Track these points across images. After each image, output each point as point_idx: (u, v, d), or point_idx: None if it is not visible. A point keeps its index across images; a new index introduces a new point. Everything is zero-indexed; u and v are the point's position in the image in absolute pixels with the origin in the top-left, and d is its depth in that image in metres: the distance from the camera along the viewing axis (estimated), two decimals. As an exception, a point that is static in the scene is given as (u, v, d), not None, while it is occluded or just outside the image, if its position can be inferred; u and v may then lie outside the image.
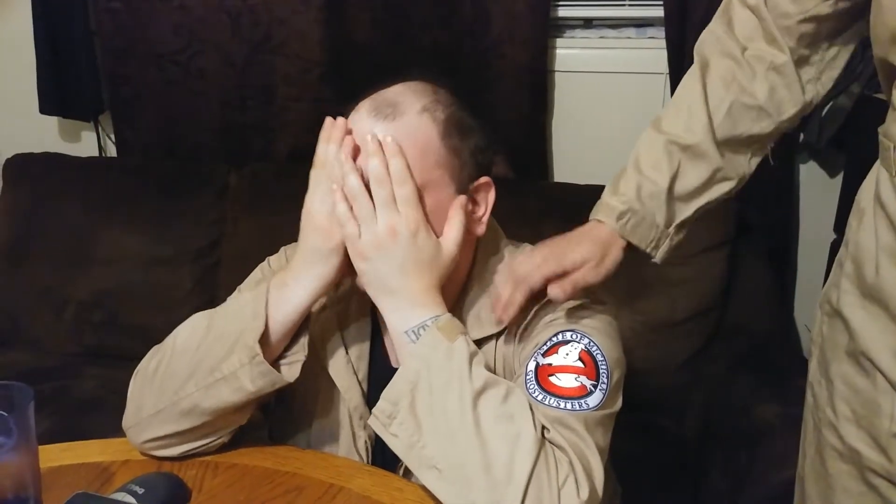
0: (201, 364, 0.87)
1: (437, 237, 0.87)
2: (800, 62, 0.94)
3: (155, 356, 0.93)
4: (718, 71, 0.96)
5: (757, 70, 0.94)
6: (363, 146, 0.85)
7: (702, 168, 0.95)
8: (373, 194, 0.83)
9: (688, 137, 0.94)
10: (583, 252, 0.91)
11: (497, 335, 0.93)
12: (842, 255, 0.91)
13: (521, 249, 0.99)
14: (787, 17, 0.91)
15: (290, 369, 0.89)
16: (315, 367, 0.97)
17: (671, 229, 0.96)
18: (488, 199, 0.92)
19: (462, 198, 0.88)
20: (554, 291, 0.88)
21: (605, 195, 0.97)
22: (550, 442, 0.78)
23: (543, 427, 0.79)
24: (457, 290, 0.94)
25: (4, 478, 0.75)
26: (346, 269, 0.88)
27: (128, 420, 0.93)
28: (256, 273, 1.04)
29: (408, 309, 0.83)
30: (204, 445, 0.92)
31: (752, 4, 0.94)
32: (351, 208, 0.84)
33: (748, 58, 0.94)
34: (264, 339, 0.86)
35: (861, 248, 0.86)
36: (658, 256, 0.97)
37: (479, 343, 0.90)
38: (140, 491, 0.81)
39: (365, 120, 0.88)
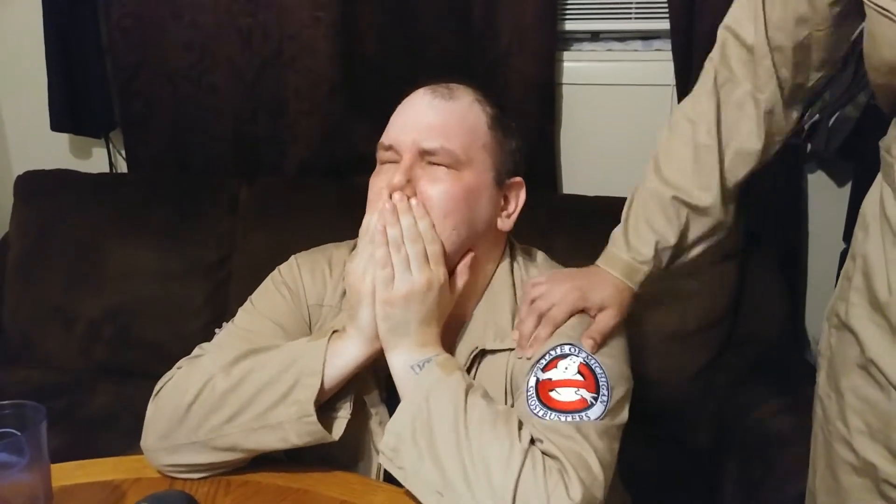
0: (246, 408, 0.88)
1: (468, 216, 0.92)
2: (792, 91, 0.95)
3: (187, 386, 0.91)
4: (731, 127, 0.97)
5: (756, 115, 0.96)
6: (397, 204, 0.90)
7: (706, 223, 0.99)
8: (409, 250, 0.88)
9: (702, 199, 0.97)
10: (605, 296, 0.95)
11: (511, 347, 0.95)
12: (849, 267, 0.91)
13: (537, 261, 1.03)
14: (783, 49, 0.93)
15: (337, 426, 0.90)
16: None
17: (669, 271, 1.02)
18: (519, 197, 1.00)
19: (469, 256, 0.93)
20: (588, 344, 0.90)
21: (618, 249, 1.00)
22: (544, 453, 0.80)
23: (535, 440, 0.81)
24: (479, 293, 0.97)
25: (17, 496, 0.76)
26: None
27: (151, 442, 0.92)
28: (268, 283, 1.05)
29: (415, 349, 0.88)
30: (223, 472, 0.92)
31: (749, 44, 0.94)
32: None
33: (748, 100, 0.96)
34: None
35: (870, 263, 0.86)
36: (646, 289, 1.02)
37: (497, 352, 0.94)
38: (152, 509, 0.81)
39: (422, 97, 0.95)
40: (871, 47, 0.83)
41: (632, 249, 0.98)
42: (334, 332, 0.92)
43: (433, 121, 0.93)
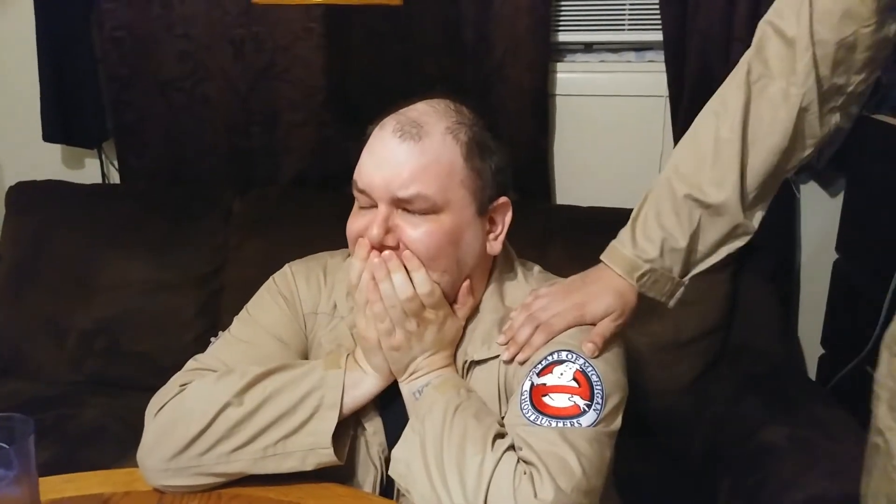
0: (259, 438, 0.89)
1: (455, 256, 0.91)
2: (830, 91, 0.91)
3: (195, 412, 0.90)
4: (758, 123, 0.93)
5: (789, 112, 0.91)
6: (387, 261, 0.90)
7: (722, 224, 0.94)
8: (403, 306, 0.89)
9: (713, 195, 0.93)
10: (605, 305, 0.93)
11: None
12: None
13: (533, 273, 1.02)
14: (826, 44, 0.89)
15: (341, 448, 0.91)
16: None
17: (686, 279, 0.97)
18: (506, 218, 0.97)
19: (467, 282, 0.94)
20: (588, 348, 0.90)
21: (623, 246, 0.97)
22: (522, 460, 0.80)
23: (515, 447, 0.82)
24: (472, 308, 0.97)
25: (5, 510, 0.75)
26: None
27: (151, 463, 0.91)
28: (263, 292, 1.04)
29: (421, 378, 0.92)
30: (217, 487, 0.92)
31: (790, 37, 0.90)
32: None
33: (780, 97, 0.91)
34: None
35: None
36: (671, 303, 0.98)
37: (485, 361, 0.94)
38: (142, 523, 0.81)
39: (390, 140, 0.90)
40: None
41: (637, 246, 0.95)
42: (347, 356, 0.94)
43: (404, 166, 0.89)
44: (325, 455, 0.88)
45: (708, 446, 1.57)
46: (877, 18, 0.86)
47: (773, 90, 0.92)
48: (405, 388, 0.93)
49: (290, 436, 0.88)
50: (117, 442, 1.59)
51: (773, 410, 1.45)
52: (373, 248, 0.90)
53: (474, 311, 0.97)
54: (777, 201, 1.80)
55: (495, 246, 0.96)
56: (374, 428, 0.95)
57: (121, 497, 0.90)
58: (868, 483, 0.91)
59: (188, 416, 0.90)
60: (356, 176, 0.93)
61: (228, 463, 0.88)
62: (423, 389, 0.90)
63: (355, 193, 0.94)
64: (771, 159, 0.93)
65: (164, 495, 0.90)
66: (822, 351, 1.84)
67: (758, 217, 0.96)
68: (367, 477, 0.96)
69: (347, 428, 0.92)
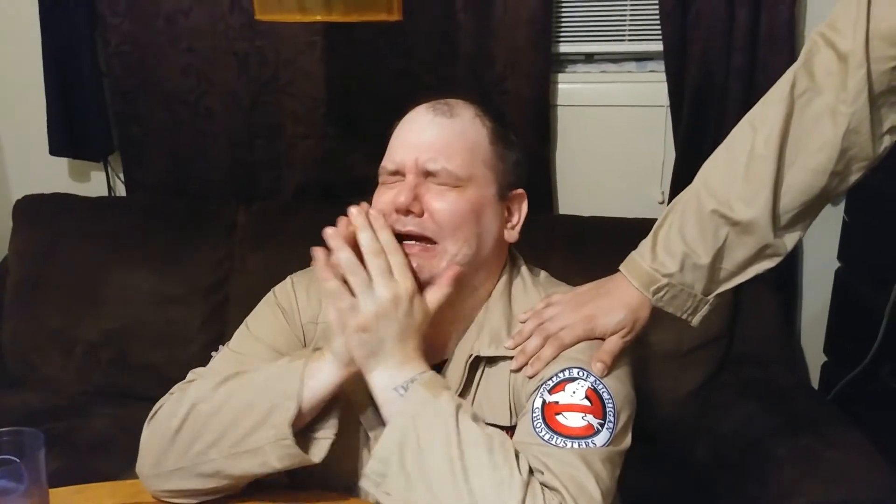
0: (227, 433, 0.88)
1: (476, 230, 0.93)
2: (883, 111, 0.85)
3: (175, 412, 0.91)
4: (800, 139, 0.86)
5: (835, 131, 0.85)
6: (352, 219, 0.88)
7: (750, 243, 0.89)
8: (368, 266, 0.86)
9: (742, 212, 0.87)
10: (616, 320, 0.92)
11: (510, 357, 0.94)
12: None
13: (539, 278, 1.03)
14: (885, 61, 0.83)
15: (318, 448, 0.88)
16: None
17: (711, 297, 0.93)
18: (522, 208, 1.01)
19: (455, 268, 0.91)
20: (597, 367, 0.88)
21: (643, 258, 0.93)
22: (544, 485, 0.78)
23: (535, 470, 0.80)
24: (481, 304, 0.97)
25: (16, 523, 0.76)
26: None
27: (144, 469, 0.93)
28: (262, 305, 1.05)
29: (395, 368, 0.86)
30: (219, 498, 0.92)
31: (843, 51, 0.84)
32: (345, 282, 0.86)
33: (826, 114, 0.85)
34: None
35: None
36: (695, 321, 0.95)
37: (493, 360, 0.94)
38: (150, 534, 0.82)
39: (423, 114, 0.96)
40: None
41: (657, 260, 0.91)
42: (315, 350, 0.92)
43: (435, 140, 0.94)
44: (289, 448, 0.85)
45: (710, 454, 1.57)
46: None
47: (818, 105, 0.86)
48: (379, 381, 0.86)
49: (255, 431, 0.86)
50: (125, 453, 1.57)
51: (774, 419, 1.45)
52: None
53: (483, 307, 0.97)
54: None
55: (513, 234, 1.00)
56: (375, 434, 0.94)
57: (129, 508, 0.92)
58: None
59: (167, 417, 0.92)
60: (385, 160, 0.97)
61: (206, 462, 0.88)
62: (409, 386, 0.85)
63: (382, 179, 0.97)
64: (812, 180, 0.86)
65: (171, 505, 0.91)
66: (824, 359, 1.85)
67: (792, 239, 0.90)
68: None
69: (329, 432, 0.90)
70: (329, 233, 0.88)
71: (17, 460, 0.76)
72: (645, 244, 0.95)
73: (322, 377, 0.88)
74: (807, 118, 0.86)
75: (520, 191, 1.01)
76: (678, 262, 0.90)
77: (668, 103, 1.83)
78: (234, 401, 0.89)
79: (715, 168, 0.92)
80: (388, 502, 0.81)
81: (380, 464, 0.81)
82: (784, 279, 1.86)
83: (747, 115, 0.92)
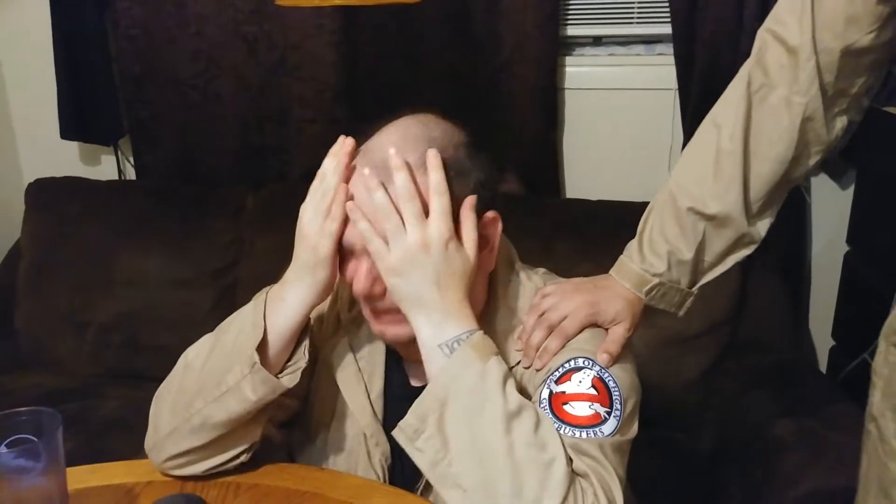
0: (207, 379, 0.89)
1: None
2: (834, 97, 0.90)
3: (173, 373, 0.95)
4: (761, 133, 0.92)
5: (792, 121, 0.90)
6: (390, 161, 0.83)
7: (727, 235, 0.94)
8: (401, 209, 0.82)
9: (715, 207, 0.92)
10: (617, 310, 0.93)
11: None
12: None
13: (538, 275, 0.99)
14: (830, 52, 0.88)
15: (291, 377, 0.90)
16: (330, 388, 0.99)
17: (695, 289, 0.97)
18: (497, 232, 0.91)
19: (472, 198, 0.86)
20: (603, 358, 0.88)
21: (631, 261, 0.96)
22: (574, 471, 0.78)
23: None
24: (476, 312, 0.91)
25: (34, 501, 0.78)
26: (335, 279, 0.89)
27: (148, 442, 0.95)
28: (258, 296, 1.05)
29: (440, 322, 0.82)
30: (223, 463, 0.93)
31: (792, 46, 0.89)
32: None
33: (782, 106, 0.90)
34: (264, 350, 0.88)
35: None
36: (682, 312, 0.99)
37: None
38: (164, 511, 0.83)
39: (361, 184, 0.86)
40: None
41: (645, 261, 0.95)
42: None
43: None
44: (258, 372, 0.85)
45: (716, 439, 1.58)
46: (881, 23, 0.85)
47: (774, 99, 0.91)
48: (424, 333, 0.82)
49: (229, 369, 0.87)
50: (136, 433, 1.59)
51: (779, 403, 1.46)
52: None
53: (479, 321, 0.90)
54: (789, 195, 1.83)
55: (490, 263, 0.93)
56: (376, 438, 0.96)
57: (143, 486, 0.93)
58: (862, 468, 0.94)
59: (167, 381, 0.95)
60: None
61: (195, 414, 0.89)
62: (457, 345, 0.81)
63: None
64: (776, 169, 0.92)
65: (185, 483, 0.93)
66: (832, 343, 1.85)
67: (764, 225, 0.95)
68: (367, 459, 0.97)
69: (301, 362, 0.90)
70: (366, 173, 0.83)
71: (36, 440, 0.77)
72: (632, 247, 0.98)
73: (287, 297, 0.88)
74: (765, 112, 0.91)
75: (491, 215, 0.90)
76: (665, 260, 0.94)
77: (676, 86, 1.83)
78: (213, 349, 0.91)
79: (685, 168, 0.96)
80: (418, 458, 0.80)
81: (417, 419, 0.79)
82: (792, 264, 1.86)
83: (709, 115, 0.96)
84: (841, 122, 0.92)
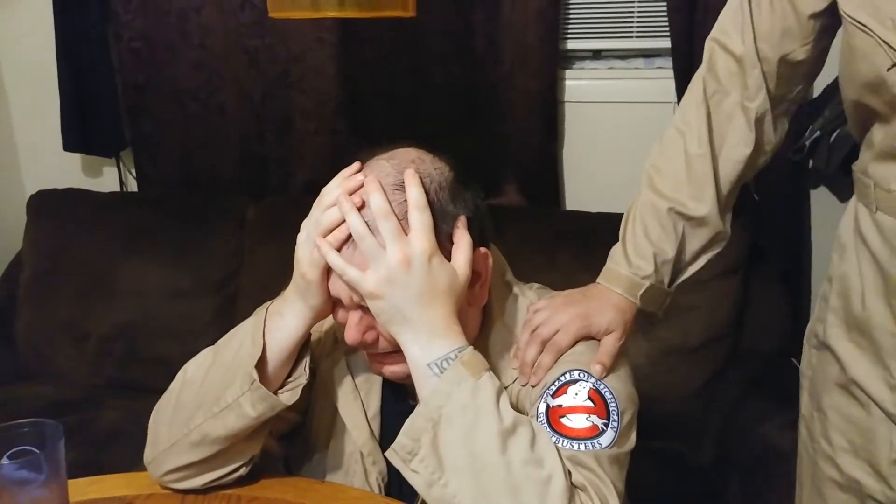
0: (207, 395, 0.89)
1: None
2: (776, 101, 0.96)
3: (172, 388, 0.95)
4: (721, 136, 0.97)
5: (748, 123, 0.96)
6: (365, 185, 0.83)
7: (704, 234, 0.98)
8: (380, 228, 0.80)
9: (695, 209, 0.96)
10: (609, 319, 0.93)
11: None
12: (825, 290, 0.93)
13: (532, 290, 0.98)
14: (768, 62, 0.94)
15: (291, 394, 0.89)
16: (328, 405, 0.99)
17: (672, 288, 1.00)
18: (487, 269, 0.89)
19: (464, 219, 0.85)
20: (597, 370, 0.88)
21: (619, 266, 0.98)
22: (573, 484, 0.78)
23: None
24: (470, 342, 0.86)
25: (35, 512, 0.78)
26: (329, 304, 0.88)
27: (147, 455, 0.95)
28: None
29: (428, 340, 0.80)
30: (222, 476, 0.93)
31: (738, 55, 0.95)
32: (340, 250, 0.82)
33: (737, 110, 0.96)
34: (263, 366, 0.87)
35: (846, 284, 0.88)
36: (661, 313, 1.01)
37: None
38: (165, 524, 0.84)
39: (344, 252, 0.84)
40: (848, 61, 0.85)
41: (632, 265, 0.97)
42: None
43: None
44: (257, 390, 0.85)
45: (716, 450, 1.58)
46: (814, 37, 0.91)
47: (728, 104, 0.96)
48: (411, 353, 0.81)
49: (229, 385, 0.87)
50: (137, 444, 1.60)
51: (781, 414, 1.46)
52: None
53: (474, 342, 0.88)
54: (788, 206, 1.84)
55: (481, 300, 0.91)
56: (373, 457, 0.96)
57: (144, 499, 0.93)
58: (800, 467, 0.98)
59: (167, 395, 0.95)
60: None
61: (194, 429, 0.89)
62: (446, 363, 0.79)
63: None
64: (740, 168, 0.97)
65: (186, 497, 0.93)
66: (831, 354, 1.85)
67: (729, 222, 1.00)
68: (364, 477, 0.97)
69: (302, 378, 0.90)
70: (341, 199, 0.82)
71: (38, 451, 0.77)
72: (617, 253, 1.00)
73: (285, 314, 0.87)
74: (722, 116, 0.97)
75: (481, 251, 0.88)
76: (651, 262, 0.96)
77: (675, 100, 1.83)
78: (212, 364, 0.91)
79: (658, 173, 0.99)
80: (415, 480, 0.78)
81: (410, 440, 0.78)
82: (792, 275, 1.86)
83: (672, 122, 1.01)
84: (782, 126, 0.98)
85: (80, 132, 2.17)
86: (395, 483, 0.96)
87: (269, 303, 0.92)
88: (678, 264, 0.99)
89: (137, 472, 0.98)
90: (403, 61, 1.94)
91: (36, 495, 0.77)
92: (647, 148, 2.02)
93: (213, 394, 0.89)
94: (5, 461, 0.76)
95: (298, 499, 0.93)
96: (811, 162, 1.81)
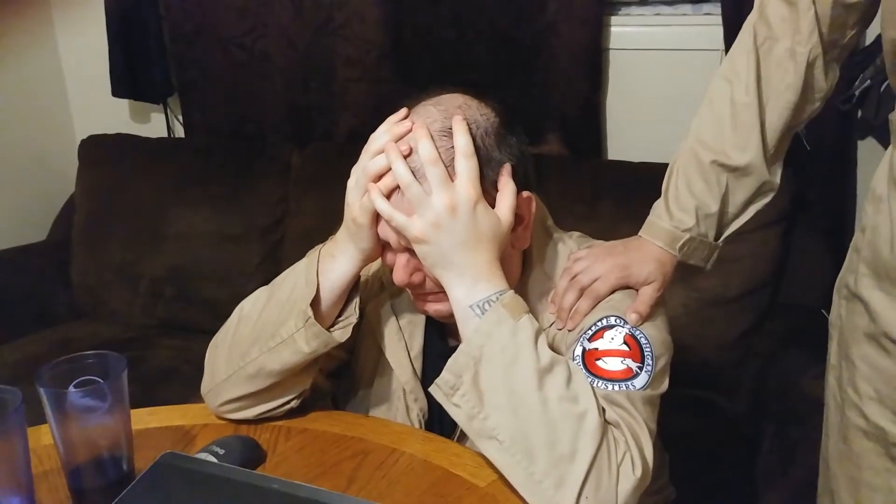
0: (263, 330, 0.93)
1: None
2: (829, 46, 0.95)
3: (229, 322, 0.99)
4: (770, 83, 0.96)
5: (797, 69, 0.95)
6: (413, 132, 0.85)
7: (749, 184, 0.98)
8: (426, 175, 0.83)
9: (738, 158, 0.96)
10: (648, 271, 0.95)
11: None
12: (857, 240, 0.93)
13: (572, 239, 1.00)
14: (822, 3, 0.93)
15: (343, 332, 0.93)
16: (373, 345, 1.03)
17: (720, 241, 1.00)
18: (530, 213, 0.92)
19: (508, 166, 0.87)
20: (633, 318, 0.90)
21: (661, 219, 0.99)
22: (607, 421, 0.81)
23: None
24: (511, 285, 0.89)
25: (100, 438, 0.83)
26: (379, 248, 0.91)
27: (205, 386, 1.00)
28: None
29: (472, 283, 0.83)
30: (275, 408, 0.98)
31: None
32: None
33: (787, 57, 0.95)
34: (317, 305, 0.91)
35: (878, 233, 0.88)
36: (708, 266, 1.01)
37: None
38: (221, 452, 0.88)
39: (393, 199, 0.87)
40: (884, 25, 0.85)
41: (674, 218, 0.98)
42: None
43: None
44: (312, 327, 0.89)
45: (752, 400, 1.59)
46: None
47: (779, 50, 0.95)
48: (456, 295, 0.84)
49: (285, 321, 0.91)
50: (188, 381, 1.69)
51: (817, 365, 1.46)
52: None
53: (516, 288, 0.91)
54: (834, 157, 1.81)
55: (524, 242, 0.94)
56: (415, 394, 1.00)
57: (200, 428, 0.98)
58: (827, 417, 0.98)
59: (224, 330, 0.99)
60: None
61: (250, 362, 0.93)
62: (488, 305, 0.82)
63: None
64: (786, 116, 0.96)
65: (239, 426, 0.98)
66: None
67: (779, 173, 0.99)
68: (406, 413, 1.01)
69: (353, 317, 0.94)
70: (389, 145, 0.85)
71: (102, 381, 0.82)
72: (659, 206, 1.00)
73: (337, 256, 0.91)
74: (771, 63, 0.96)
75: (525, 195, 0.90)
76: (693, 215, 0.97)
77: (723, 47, 1.80)
78: (268, 301, 0.95)
79: (703, 124, 1.00)
80: (456, 414, 0.82)
81: (453, 376, 0.81)
82: (835, 227, 1.84)
83: (718, 72, 1.00)
84: (833, 72, 0.97)
85: (128, 79, 2.22)
86: (436, 419, 1.00)
87: (320, 245, 0.95)
88: (723, 217, 0.99)
89: (193, 404, 1.03)
90: (447, 8, 1.93)
91: (101, 422, 0.82)
92: (693, 97, 1.99)
93: (269, 330, 0.92)
94: (72, 389, 0.81)
95: (344, 431, 0.97)
96: (860, 112, 1.77)
